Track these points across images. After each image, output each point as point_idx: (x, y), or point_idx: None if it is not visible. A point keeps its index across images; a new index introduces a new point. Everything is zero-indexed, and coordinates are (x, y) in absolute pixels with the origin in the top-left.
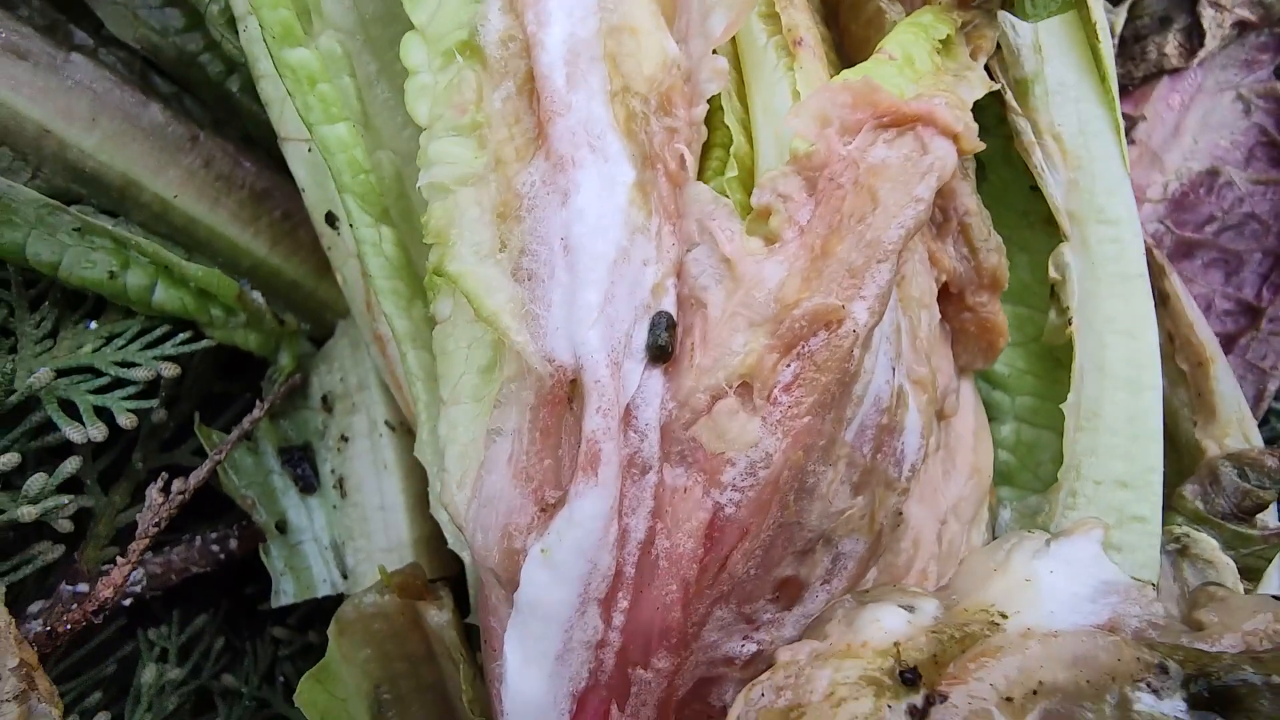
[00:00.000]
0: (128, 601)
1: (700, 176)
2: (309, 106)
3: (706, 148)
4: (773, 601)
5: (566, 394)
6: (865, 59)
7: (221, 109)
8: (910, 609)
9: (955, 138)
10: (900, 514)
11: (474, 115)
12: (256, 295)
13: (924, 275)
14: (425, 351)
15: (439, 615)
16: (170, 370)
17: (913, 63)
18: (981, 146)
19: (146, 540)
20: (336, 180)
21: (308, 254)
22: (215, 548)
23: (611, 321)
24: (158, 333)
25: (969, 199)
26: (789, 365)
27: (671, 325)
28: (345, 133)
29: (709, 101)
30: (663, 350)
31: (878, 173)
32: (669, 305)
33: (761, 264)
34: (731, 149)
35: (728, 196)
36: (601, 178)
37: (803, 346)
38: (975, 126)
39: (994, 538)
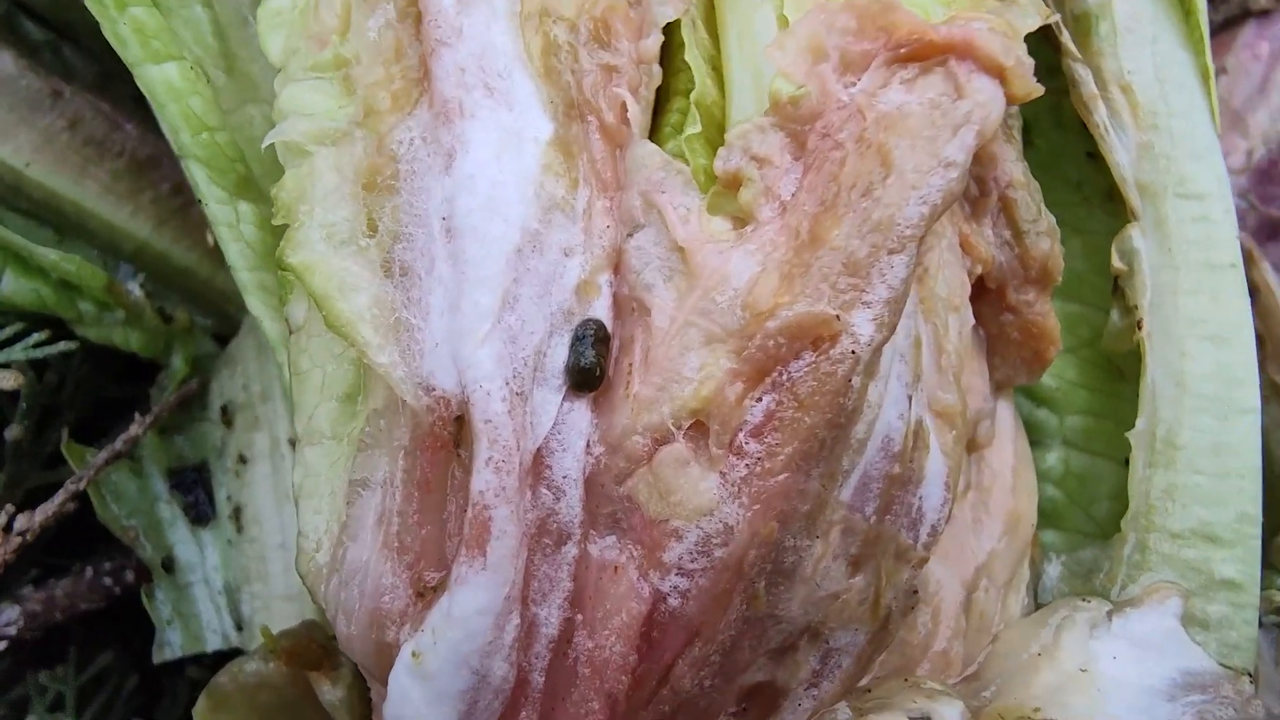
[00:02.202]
0: (0, 645)
1: (652, 135)
2: (121, 40)
3: (661, 95)
4: (737, 716)
5: (452, 435)
6: None
7: (110, 59)
8: (926, 719)
9: (1002, 76)
10: (915, 592)
11: (338, 49)
12: (134, 287)
13: (954, 267)
14: None
15: (332, 692)
16: (11, 381)
17: None
18: (1039, 90)
19: None
20: (174, 140)
21: (202, 235)
22: (108, 580)
23: (513, 334)
24: (7, 333)
25: (1014, 166)
26: (760, 399)
27: (603, 338)
28: (176, 76)
29: (664, 30)
30: (589, 374)
31: (892, 125)
32: (600, 311)
33: (726, 254)
34: (693, 96)
35: (687, 161)
36: (502, 132)
37: (780, 373)
38: (1030, 62)
39: (1036, 603)
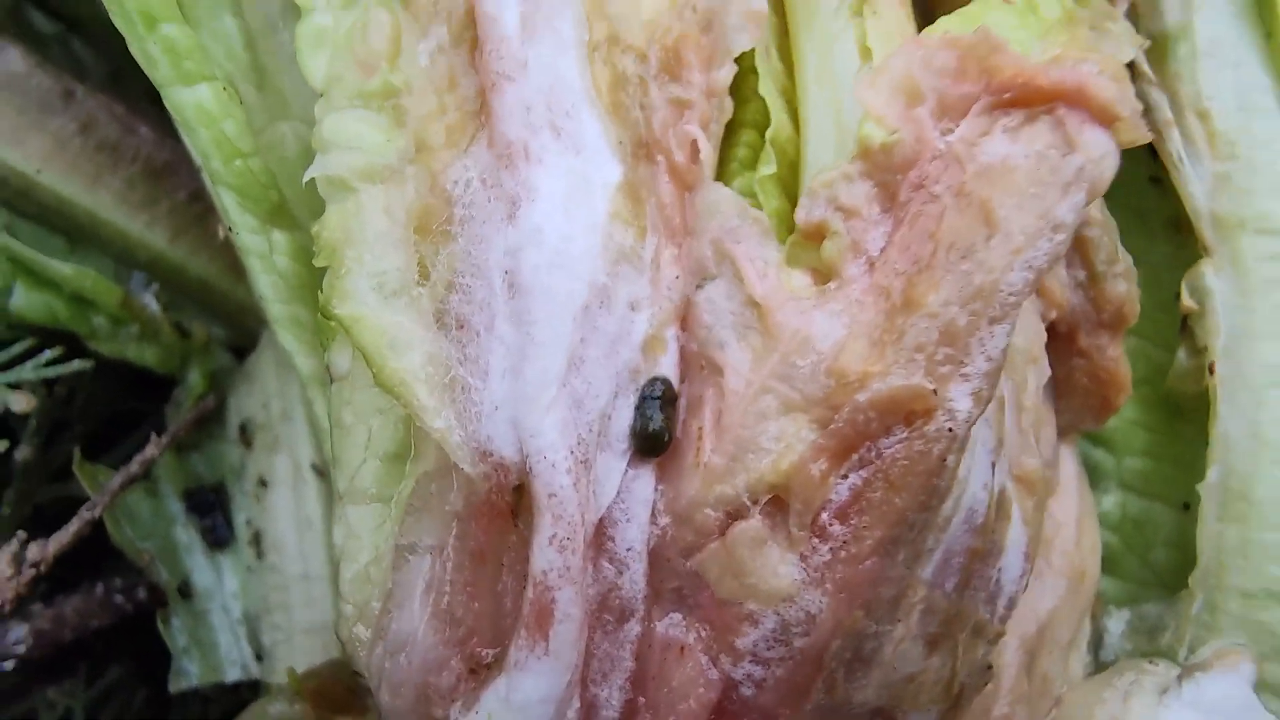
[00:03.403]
0: (8, 664)
1: (721, 175)
2: (151, 59)
3: (732, 130)
4: None
5: (510, 504)
6: (955, 7)
7: (123, 54)
8: None
9: (1114, 124)
10: (989, 668)
11: (387, 76)
12: (150, 300)
13: (1031, 315)
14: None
15: None
16: (23, 403)
17: (1036, 9)
18: (1148, 138)
19: None
20: (205, 167)
21: (221, 246)
22: (120, 598)
23: (578, 399)
24: (17, 350)
25: (1091, 204)
26: (847, 476)
27: (670, 400)
28: (209, 98)
29: (737, 61)
30: (657, 439)
31: (996, 180)
32: (667, 368)
33: (809, 314)
34: (769, 133)
35: (760, 205)
36: (571, 178)
37: (869, 449)
38: (1139, 107)
39: (1097, 661)
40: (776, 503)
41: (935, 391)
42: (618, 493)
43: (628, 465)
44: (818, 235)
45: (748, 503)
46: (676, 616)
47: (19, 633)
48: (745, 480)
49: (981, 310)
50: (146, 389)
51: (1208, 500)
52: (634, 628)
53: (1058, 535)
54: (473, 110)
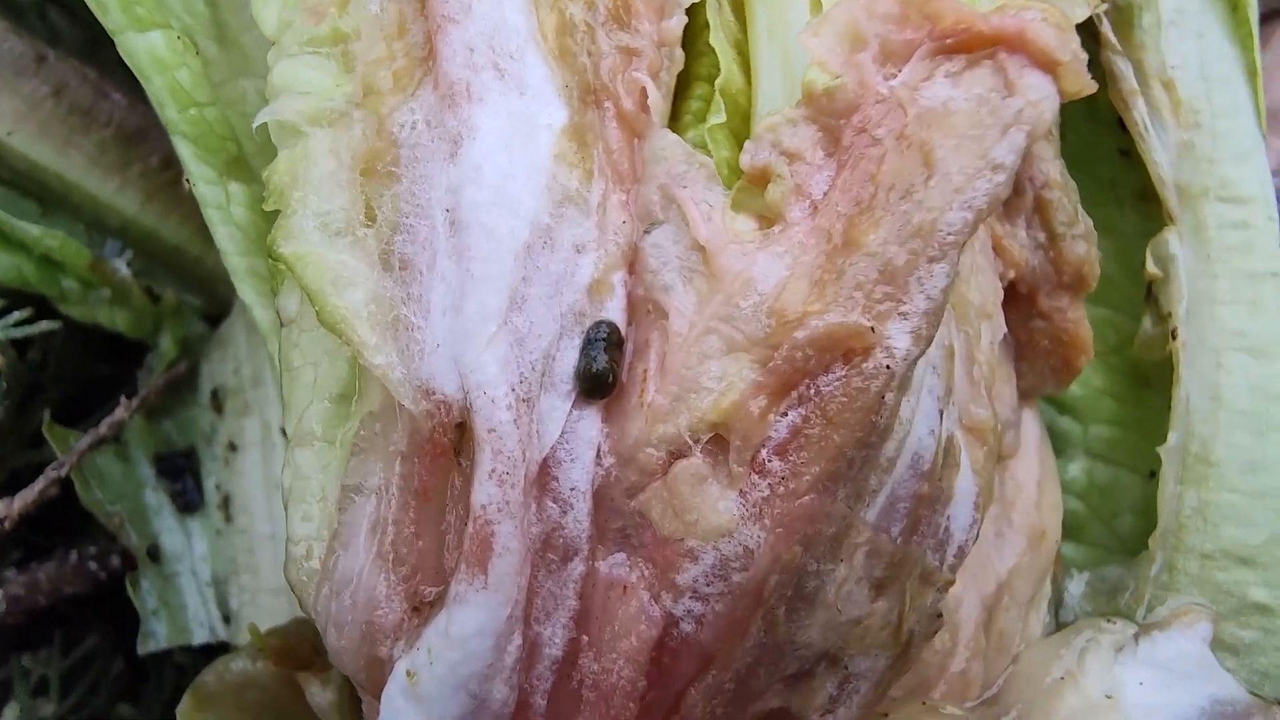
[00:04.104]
0: None
1: (674, 128)
2: (102, 5)
3: (685, 78)
4: None
5: (452, 442)
6: None
7: (97, 25)
8: None
9: (1056, 71)
10: (939, 616)
11: (336, 22)
12: (120, 264)
13: (987, 272)
14: None
15: (322, 695)
16: None
17: None
18: (1093, 87)
19: None
20: (160, 115)
21: (192, 211)
22: (94, 565)
23: (520, 337)
24: None
25: (1050, 165)
26: (786, 414)
27: (616, 342)
28: (162, 46)
29: (688, 11)
30: (601, 380)
31: (936, 122)
32: (614, 312)
33: (752, 256)
34: (719, 83)
35: (709, 153)
36: (512, 118)
37: (808, 386)
38: (1085, 56)
39: (1057, 621)
40: (718, 441)
41: (873, 329)
42: (562, 433)
43: (572, 407)
44: (762, 179)
45: (690, 441)
46: (620, 556)
47: None
48: (688, 420)
49: (920, 249)
50: (120, 355)
51: (1168, 463)
52: (578, 567)
53: (1019, 496)
54: (420, 57)
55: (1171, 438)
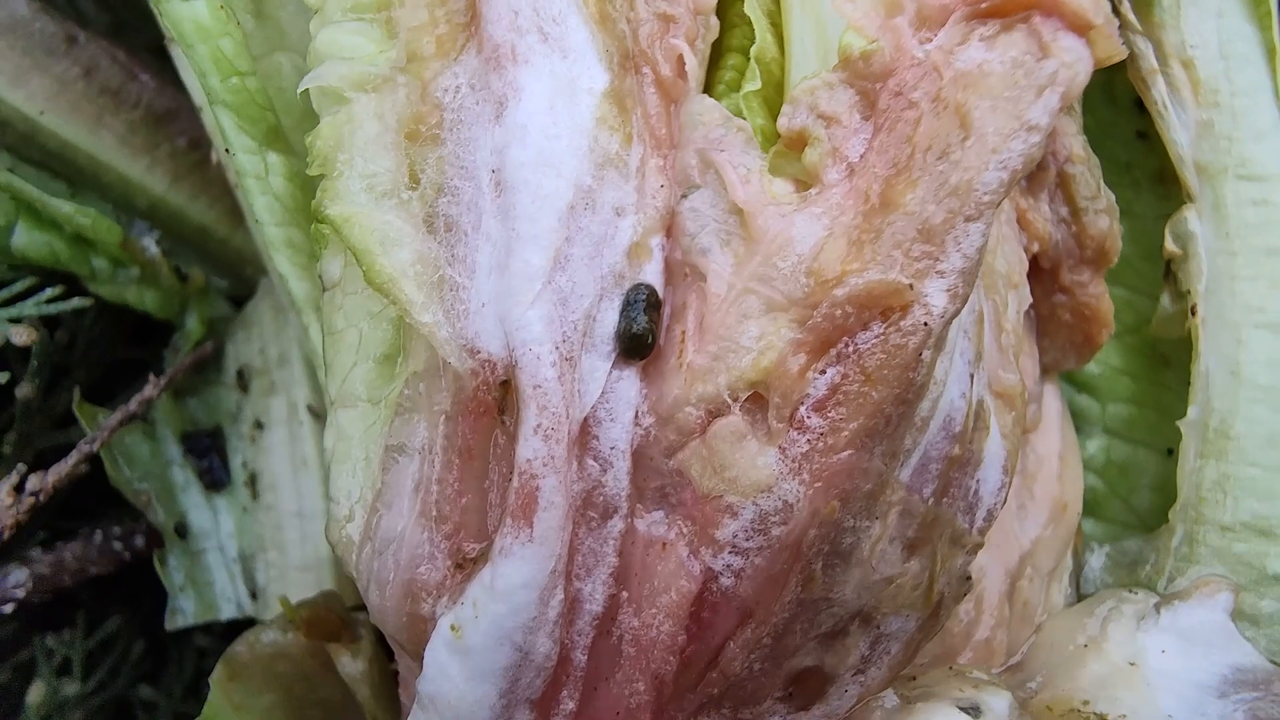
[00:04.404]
0: (8, 608)
1: (708, 89)
2: None
3: (718, 49)
4: (784, 701)
5: (496, 401)
6: None
7: (126, 8)
8: (974, 711)
9: (1089, 34)
10: (968, 579)
11: None
12: (150, 243)
13: (1012, 243)
14: None
15: (352, 665)
16: (24, 336)
17: None
18: (1124, 53)
19: None
20: (203, 84)
21: (220, 192)
22: (118, 545)
23: (563, 296)
24: (18, 287)
25: (1074, 140)
26: (824, 372)
27: (655, 304)
28: (206, 14)
29: None
30: (640, 340)
31: (972, 84)
32: (652, 275)
33: (789, 218)
34: (753, 51)
35: (745, 118)
36: (556, 80)
37: (846, 344)
38: (1115, 22)
39: (1079, 593)
40: (756, 399)
41: (911, 286)
42: (602, 393)
43: (612, 367)
44: (799, 143)
45: (729, 400)
46: (659, 514)
47: (19, 576)
48: (726, 379)
49: (957, 208)
50: (147, 337)
51: (1188, 437)
52: (617, 524)
53: (1040, 469)
54: (462, 23)
55: (1191, 412)
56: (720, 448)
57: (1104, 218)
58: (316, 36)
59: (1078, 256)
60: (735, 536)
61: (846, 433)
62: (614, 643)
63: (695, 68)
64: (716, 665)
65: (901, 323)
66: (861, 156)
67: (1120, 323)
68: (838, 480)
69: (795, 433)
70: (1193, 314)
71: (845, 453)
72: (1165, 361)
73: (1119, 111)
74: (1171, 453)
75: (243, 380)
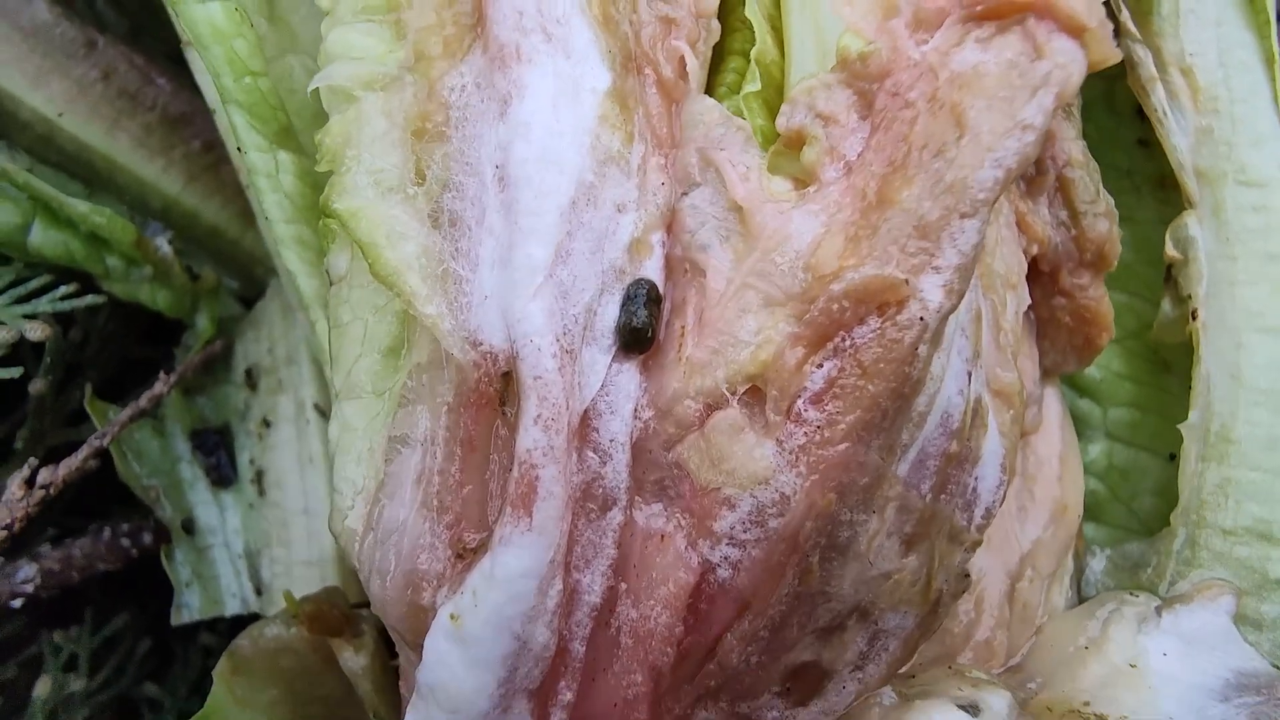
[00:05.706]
0: (17, 603)
1: (710, 91)
2: None
3: (720, 52)
4: (781, 696)
5: (498, 392)
6: None
7: (144, 14)
8: (973, 709)
9: (1083, 37)
10: (967, 576)
11: None
12: (163, 243)
13: (1011, 245)
14: None
15: (354, 660)
16: (39, 332)
17: None
18: (1118, 56)
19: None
20: (216, 84)
21: (232, 194)
22: (126, 541)
23: (564, 290)
24: (33, 284)
25: (1072, 145)
26: (821, 365)
27: (655, 299)
28: (221, 15)
29: None
30: (640, 334)
31: (967, 85)
32: (652, 271)
33: (788, 215)
34: (754, 53)
35: (744, 118)
36: (560, 80)
37: (843, 338)
38: (1110, 25)
39: (1079, 596)
40: (754, 393)
41: (907, 282)
42: (602, 386)
43: (612, 360)
44: (798, 142)
45: (727, 393)
46: (657, 507)
47: (28, 571)
48: (725, 372)
49: (953, 205)
50: (158, 335)
51: (1189, 441)
52: (616, 517)
53: (1041, 471)
54: (469, 24)
55: (1193, 416)
56: (718, 440)
57: (1103, 221)
58: (327, 37)
59: (1077, 260)
60: (733, 528)
61: (843, 426)
62: (612, 634)
63: (696, 69)
64: (714, 657)
65: (898, 317)
66: (859, 155)
67: (1121, 327)
68: (834, 473)
69: (792, 425)
70: (1193, 318)
71: (842, 446)
72: (1166, 366)
73: (1120, 119)
74: (1173, 457)
75: (251, 379)
